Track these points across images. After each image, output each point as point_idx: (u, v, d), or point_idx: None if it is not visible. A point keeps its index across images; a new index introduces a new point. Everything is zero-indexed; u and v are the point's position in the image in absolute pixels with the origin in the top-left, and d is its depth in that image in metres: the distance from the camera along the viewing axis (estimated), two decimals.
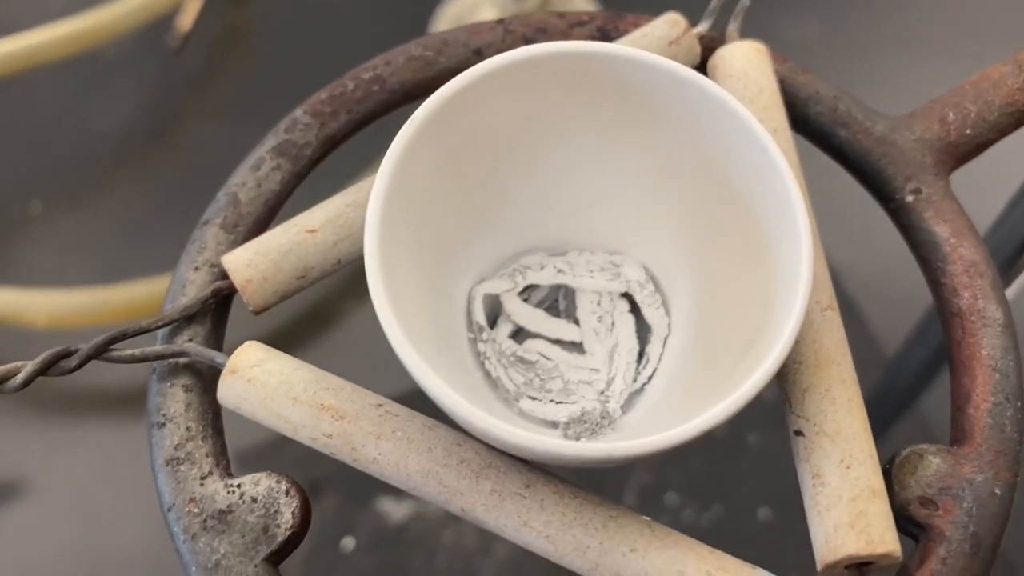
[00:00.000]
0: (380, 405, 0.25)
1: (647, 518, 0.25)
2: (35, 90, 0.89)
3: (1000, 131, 0.31)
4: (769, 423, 0.78)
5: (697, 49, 0.31)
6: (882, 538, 0.23)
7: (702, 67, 0.31)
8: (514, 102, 0.27)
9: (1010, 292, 0.52)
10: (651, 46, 0.30)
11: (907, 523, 0.25)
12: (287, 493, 0.25)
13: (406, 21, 0.94)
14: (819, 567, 0.24)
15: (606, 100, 0.28)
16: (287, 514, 0.25)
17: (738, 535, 0.73)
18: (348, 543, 0.69)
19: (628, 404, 0.29)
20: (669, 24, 0.31)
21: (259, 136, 0.32)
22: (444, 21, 0.97)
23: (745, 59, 0.30)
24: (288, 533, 0.25)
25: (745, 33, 0.32)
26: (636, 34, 0.31)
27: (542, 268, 0.30)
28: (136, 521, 0.72)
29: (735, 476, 0.73)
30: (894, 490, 0.26)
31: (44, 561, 0.71)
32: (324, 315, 0.76)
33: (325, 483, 0.73)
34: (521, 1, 0.87)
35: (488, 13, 0.93)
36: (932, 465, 0.26)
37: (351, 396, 0.26)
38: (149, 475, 0.27)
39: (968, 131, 0.30)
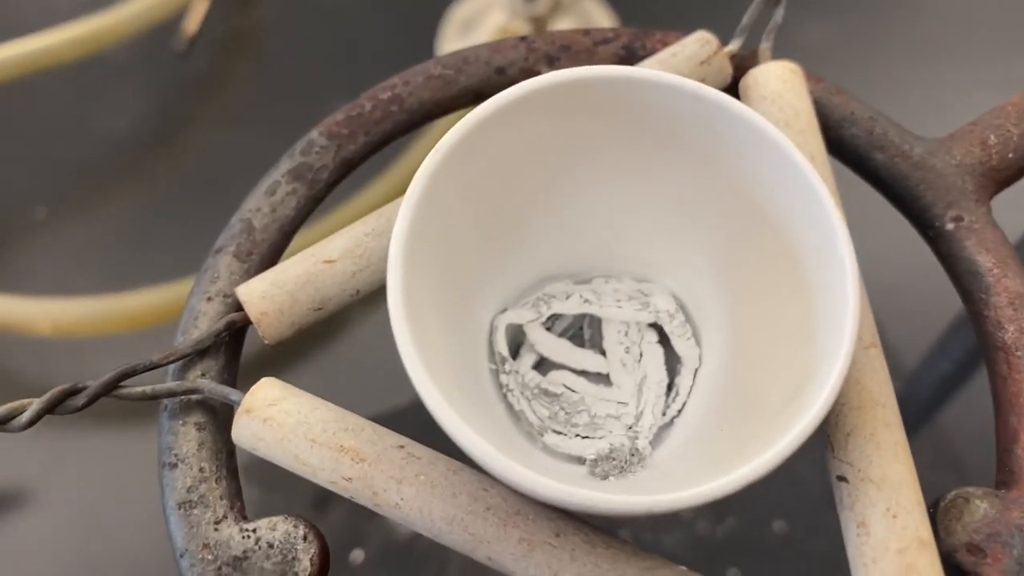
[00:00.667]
0: (402, 447, 0.24)
1: (683, 568, 0.24)
2: (40, 94, 0.88)
3: None
4: None
5: (728, 69, 0.30)
6: None
7: (733, 87, 0.30)
8: (539, 128, 0.26)
9: None
10: (681, 66, 0.29)
11: (954, 571, 0.24)
12: (305, 539, 0.24)
13: (415, 23, 0.93)
14: None
15: (634, 124, 0.26)
16: (305, 561, 0.24)
17: (753, 548, 0.71)
18: (357, 556, 0.68)
19: (657, 439, 0.28)
20: (699, 43, 0.29)
21: (267, 142, 0.31)
22: (453, 23, 0.95)
23: (779, 81, 0.29)
24: None
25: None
26: (665, 53, 0.30)
27: (567, 297, 0.29)
28: (141, 530, 0.71)
29: (749, 489, 0.71)
30: (940, 536, 0.24)
31: (49, 572, 0.70)
32: (335, 324, 0.75)
33: (334, 495, 0.71)
34: (532, 4, 0.86)
35: (498, 16, 0.91)
36: (980, 510, 0.25)
37: (372, 437, 0.24)
38: (154, 483, 0.25)
39: (1011, 155, 0.29)
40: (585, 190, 0.29)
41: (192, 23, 0.96)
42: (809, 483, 0.75)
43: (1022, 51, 0.84)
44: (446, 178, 0.25)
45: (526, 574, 0.23)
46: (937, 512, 0.25)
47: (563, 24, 0.90)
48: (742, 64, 0.30)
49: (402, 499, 0.24)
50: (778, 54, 0.31)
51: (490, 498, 0.24)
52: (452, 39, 0.77)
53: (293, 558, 0.24)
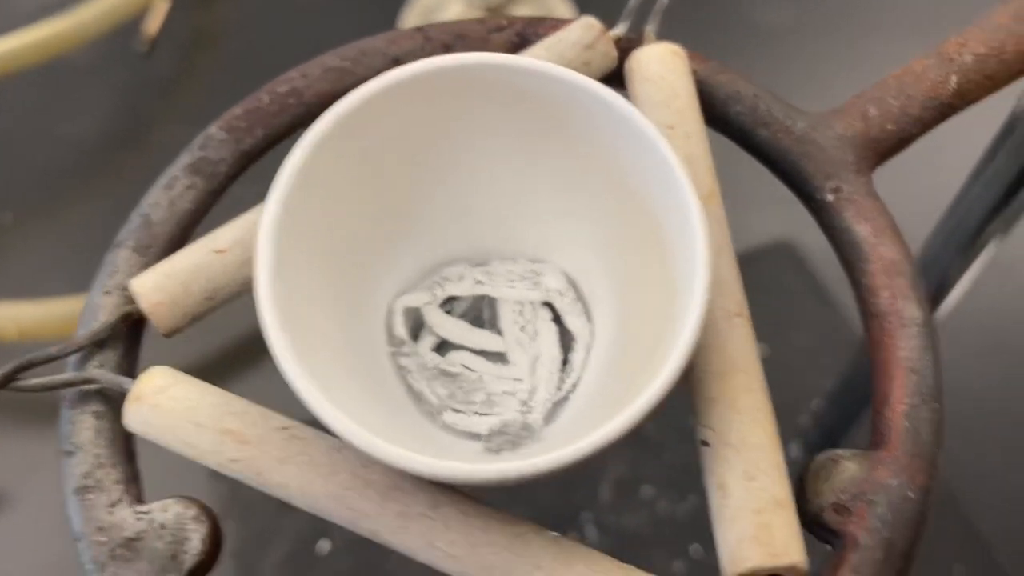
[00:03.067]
0: (286, 428, 0.25)
1: (555, 534, 0.24)
2: (2, 99, 0.89)
3: (924, 125, 0.31)
4: None
5: (613, 53, 0.30)
6: (786, 550, 0.22)
7: (620, 71, 0.31)
8: (422, 112, 0.27)
9: (967, 277, 0.51)
10: (565, 51, 0.30)
11: (821, 530, 0.25)
12: (196, 519, 0.25)
13: (376, 18, 0.93)
14: None
15: (512, 109, 0.27)
16: (195, 540, 0.25)
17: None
18: (324, 546, 0.69)
19: (553, 414, 0.29)
20: (583, 28, 0.30)
21: None
22: (412, 16, 0.96)
23: (660, 62, 0.29)
24: (196, 560, 0.25)
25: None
26: (551, 39, 0.30)
27: (461, 279, 0.30)
28: None
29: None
30: (808, 498, 0.25)
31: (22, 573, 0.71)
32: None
33: None
34: None
35: (456, 8, 0.92)
36: (847, 471, 0.25)
37: (256, 420, 0.25)
38: None
39: (890, 126, 0.30)
40: (477, 174, 0.29)
41: (154, 24, 0.97)
42: None
43: (918, 26, 0.84)
44: (324, 161, 0.25)
45: (404, 546, 0.24)
46: (807, 475, 0.26)
47: (521, 13, 0.90)
48: (629, 47, 0.31)
49: (285, 479, 0.25)
50: (673, 36, 0.31)
51: (369, 474, 0.24)
52: None
53: (184, 538, 0.25)
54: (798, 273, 0.80)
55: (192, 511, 0.25)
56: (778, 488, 0.23)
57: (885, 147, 0.30)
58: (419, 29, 0.32)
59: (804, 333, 0.78)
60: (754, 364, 0.25)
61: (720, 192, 0.28)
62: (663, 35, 0.31)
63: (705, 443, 0.24)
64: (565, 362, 0.30)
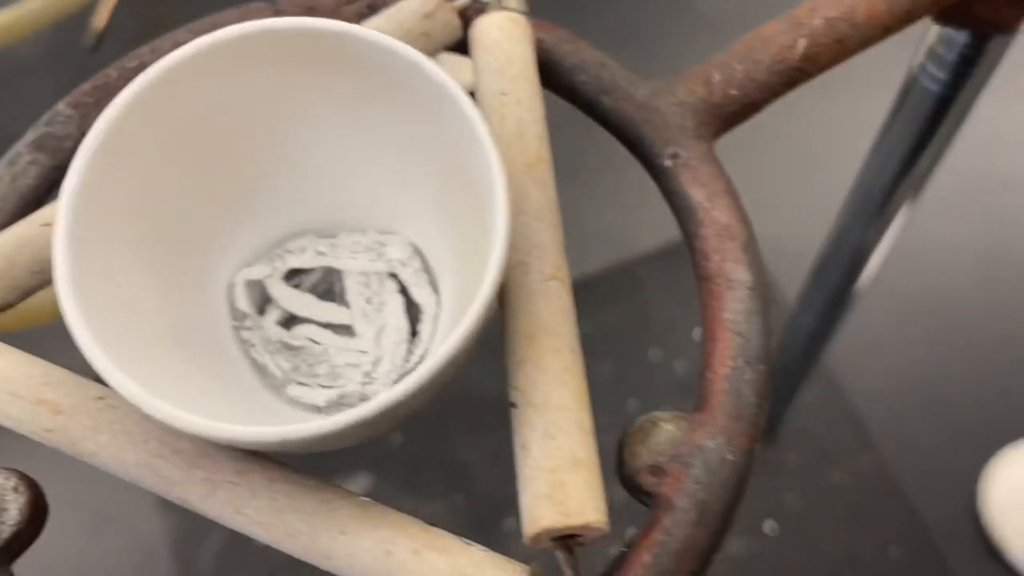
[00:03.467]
0: (101, 398, 0.25)
1: (365, 499, 0.24)
2: None
3: (771, 91, 0.30)
4: (682, 396, 0.77)
5: (456, 22, 0.30)
6: (580, 509, 0.22)
7: (465, 39, 0.31)
8: (245, 80, 0.27)
9: (883, 245, 0.51)
10: (405, 20, 0.30)
11: (638, 493, 0.25)
12: (15, 489, 0.25)
13: None
14: (525, 540, 0.23)
15: (339, 77, 0.27)
16: (13, 510, 0.25)
17: None
18: None
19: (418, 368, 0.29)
20: None
21: None
22: None
23: (499, 30, 0.29)
24: (14, 529, 0.25)
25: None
26: (392, 9, 0.30)
27: (303, 251, 0.30)
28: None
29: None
30: (625, 459, 0.25)
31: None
32: None
33: None
34: None
35: None
36: (665, 433, 0.25)
37: (71, 390, 0.25)
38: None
39: (733, 91, 0.30)
40: (315, 145, 0.29)
41: (101, 17, 0.97)
42: None
43: None
44: (134, 132, 0.25)
45: (212, 512, 0.24)
46: (625, 436, 0.26)
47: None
48: (476, 16, 0.31)
49: (98, 447, 0.25)
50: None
51: (179, 442, 0.24)
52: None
53: (2, 508, 0.25)
54: None
55: (11, 482, 0.25)
56: (578, 447, 0.23)
57: (728, 112, 0.30)
58: (271, 2, 0.32)
59: None
60: (565, 326, 0.25)
61: (550, 159, 0.28)
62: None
63: (513, 405, 0.24)
64: (415, 333, 0.30)
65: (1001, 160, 0.89)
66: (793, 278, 0.76)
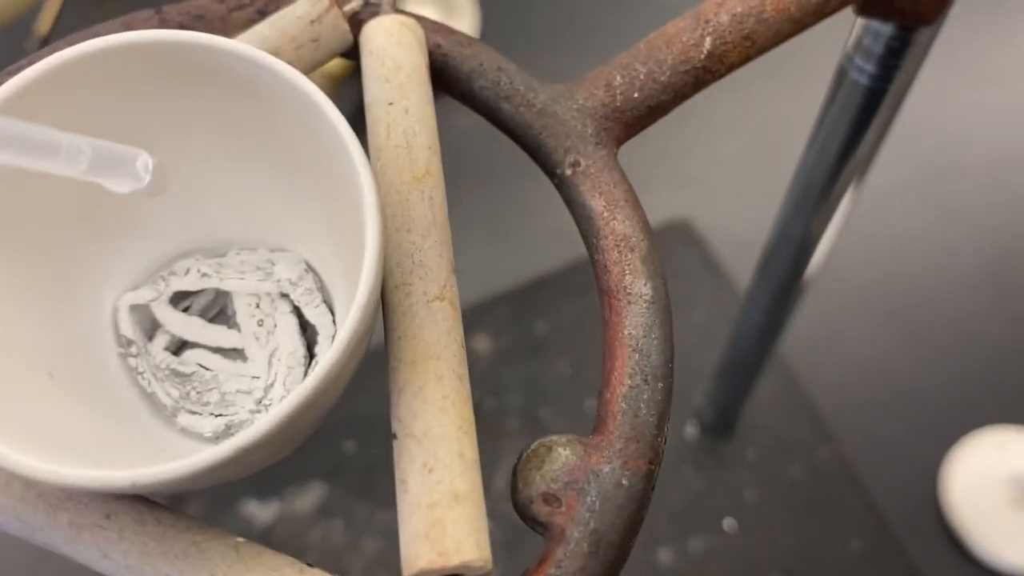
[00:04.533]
0: None
1: (240, 539, 0.23)
2: None
3: (676, 92, 0.29)
4: None
5: (344, 27, 0.29)
6: (458, 548, 0.21)
7: (357, 45, 0.29)
8: (113, 95, 0.25)
9: (829, 234, 0.50)
10: (290, 27, 0.28)
11: (532, 522, 0.24)
12: None
13: None
14: None
15: (214, 92, 0.26)
16: None
17: None
18: None
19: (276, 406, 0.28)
20: (311, 3, 0.29)
21: None
22: None
23: (387, 35, 0.28)
24: None
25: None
26: (277, 15, 0.29)
27: (188, 272, 0.29)
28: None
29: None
30: (519, 487, 0.24)
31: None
32: None
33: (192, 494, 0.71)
34: None
35: None
36: (560, 458, 0.24)
37: None
38: None
39: (636, 95, 0.29)
40: (196, 161, 0.28)
41: (45, 22, 0.95)
42: (679, 458, 0.74)
43: None
44: None
45: (78, 557, 0.23)
46: (519, 462, 0.24)
47: (424, 11, 0.89)
48: (369, 21, 0.30)
49: None
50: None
51: (43, 485, 0.23)
52: None
53: None
54: (694, 251, 0.79)
55: None
56: (458, 479, 0.22)
57: (631, 117, 0.29)
58: (157, 11, 0.31)
59: (700, 310, 0.77)
60: (449, 348, 0.23)
61: (440, 170, 0.26)
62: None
63: (394, 435, 0.23)
64: (313, 356, 0.29)
65: (950, 148, 0.88)
66: (744, 270, 0.75)
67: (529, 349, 0.76)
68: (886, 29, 0.38)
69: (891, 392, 0.76)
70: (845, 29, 0.40)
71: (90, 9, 0.95)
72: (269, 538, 0.71)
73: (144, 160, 0.22)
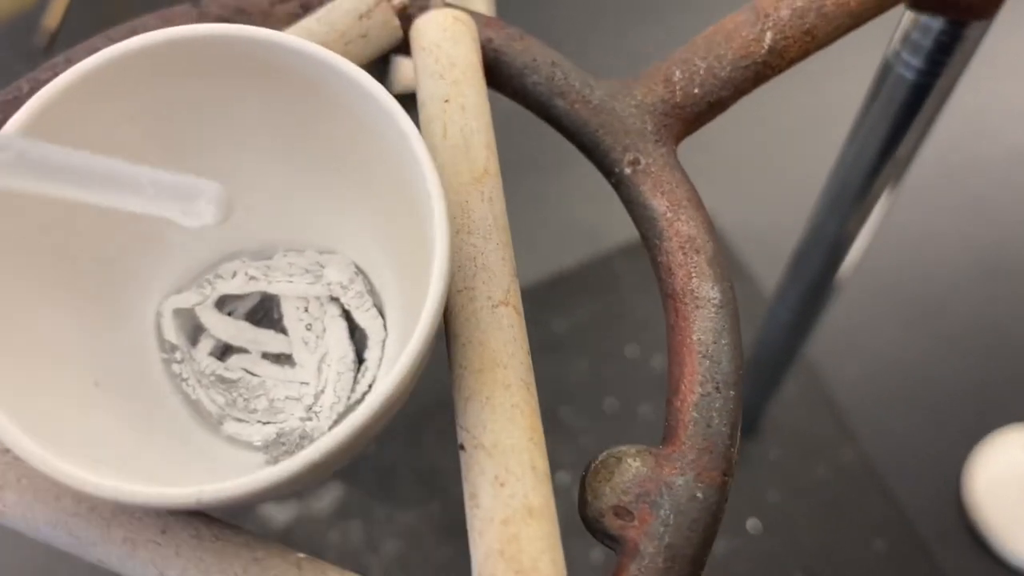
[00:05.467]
0: (6, 451, 0.23)
1: (301, 555, 0.22)
2: None
3: (736, 88, 0.28)
4: (661, 394, 0.76)
5: (395, 22, 0.28)
6: (535, 566, 0.20)
7: (407, 40, 0.29)
8: (160, 92, 0.24)
9: (864, 234, 0.49)
10: (339, 22, 0.27)
11: (603, 536, 0.23)
12: None
13: None
14: None
15: (266, 87, 0.25)
16: None
17: None
18: None
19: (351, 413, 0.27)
20: None
21: None
22: None
23: (439, 30, 0.27)
24: None
25: None
26: (324, 9, 0.28)
27: (234, 275, 0.28)
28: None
29: None
30: (588, 500, 0.23)
31: None
32: None
33: None
34: None
35: None
36: (631, 469, 0.23)
37: None
38: None
39: (696, 90, 0.28)
40: (244, 160, 0.27)
41: (53, 17, 0.94)
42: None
43: None
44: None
45: (133, 574, 0.22)
46: (587, 474, 0.24)
47: None
48: (419, 16, 0.29)
49: (4, 507, 0.22)
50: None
51: (94, 499, 0.22)
52: None
53: None
54: None
55: None
56: (532, 494, 0.21)
57: (692, 113, 0.28)
58: (195, 4, 0.30)
59: None
60: (516, 357, 0.23)
61: (498, 170, 0.25)
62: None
63: (461, 447, 0.22)
64: (363, 360, 0.28)
65: (978, 142, 0.87)
66: (772, 269, 0.74)
67: (548, 347, 0.75)
68: (936, 23, 0.37)
69: (914, 391, 0.75)
70: (884, 22, 0.39)
71: (100, 3, 0.93)
72: (288, 539, 0.70)
73: (212, 193, 0.20)
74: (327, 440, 0.19)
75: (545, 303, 0.77)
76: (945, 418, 0.74)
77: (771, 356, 0.62)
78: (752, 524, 0.69)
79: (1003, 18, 0.39)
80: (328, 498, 0.70)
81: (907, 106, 0.41)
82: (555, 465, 0.80)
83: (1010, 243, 0.82)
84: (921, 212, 0.82)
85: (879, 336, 0.76)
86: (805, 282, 0.55)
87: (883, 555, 0.70)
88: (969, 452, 0.73)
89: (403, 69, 0.78)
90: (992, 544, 0.71)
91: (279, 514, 0.69)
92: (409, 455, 0.72)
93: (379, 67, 0.29)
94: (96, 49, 0.29)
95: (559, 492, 0.71)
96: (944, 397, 0.75)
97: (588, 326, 0.77)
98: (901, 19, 0.38)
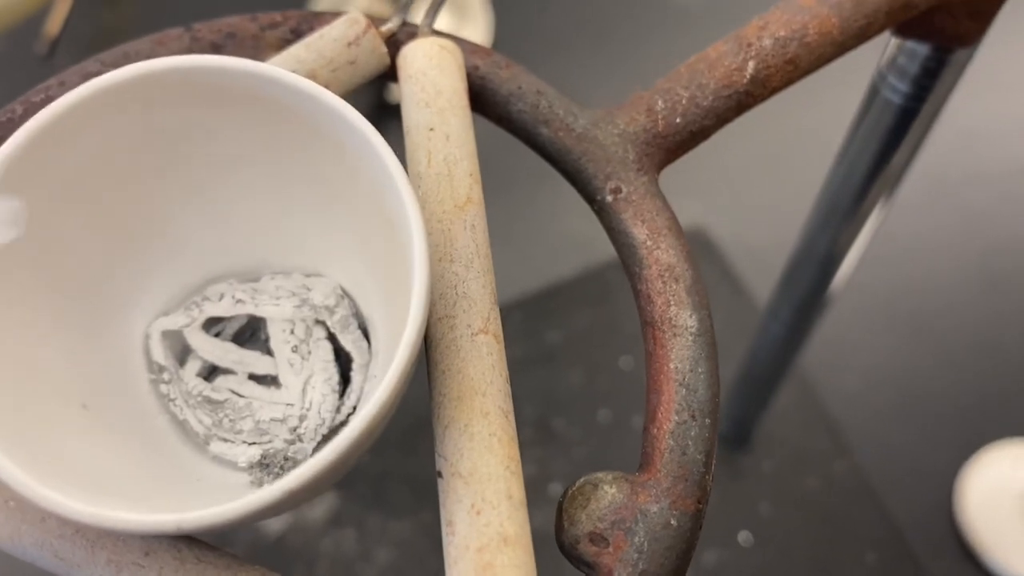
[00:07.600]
0: None
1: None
2: None
3: (718, 116, 0.29)
4: None
5: (382, 49, 0.28)
6: None
7: (395, 67, 0.29)
8: (149, 120, 0.25)
9: (856, 249, 0.50)
10: (328, 49, 0.28)
11: (578, 563, 0.23)
12: None
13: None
14: None
15: (252, 116, 0.25)
16: None
17: None
18: None
19: (334, 439, 0.27)
20: (348, 24, 0.28)
21: None
22: (323, 2, 0.93)
23: (425, 58, 0.27)
24: None
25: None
26: (313, 36, 0.28)
27: (222, 297, 0.28)
28: None
29: (619, 461, 0.71)
30: (564, 526, 0.24)
31: None
32: None
33: None
34: None
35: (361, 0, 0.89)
36: (607, 496, 0.24)
37: None
38: None
39: (678, 120, 0.28)
40: (232, 186, 0.27)
41: (54, 24, 0.94)
42: None
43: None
44: (29, 174, 0.23)
45: None
46: (564, 500, 0.24)
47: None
48: (406, 43, 0.29)
49: None
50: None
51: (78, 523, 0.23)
52: None
53: None
54: (711, 261, 0.79)
55: None
56: (507, 523, 0.21)
57: (674, 143, 0.28)
58: (187, 29, 0.30)
59: (716, 321, 0.76)
60: (495, 384, 0.23)
61: (481, 198, 0.26)
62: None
63: (439, 474, 0.22)
64: (348, 381, 0.28)
65: (969, 155, 0.88)
66: (765, 283, 0.75)
67: (542, 358, 0.76)
68: (922, 49, 0.37)
69: (906, 405, 0.75)
70: (876, 45, 0.40)
71: (100, 11, 0.94)
72: (281, 548, 0.70)
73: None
74: (304, 469, 0.20)
75: (539, 314, 0.78)
76: (938, 432, 0.75)
77: (764, 370, 0.63)
78: (744, 537, 0.70)
79: (997, 33, 0.40)
80: (321, 507, 0.70)
81: (894, 129, 0.41)
82: (547, 476, 0.81)
83: (1003, 257, 0.82)
84: (913, 226, 0.83)
85: (872, 350, 0.77)
86: (797, 296, 0.56)
87: (875, 568, 0.70)
88: (962, 466, 0.73)
89: None
90: (983, 558, 0.71)
91: (272, 523, 0.70)
92: (403, 464, 0.72)
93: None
94: (88, 72, 0.30)
95: (550, 503, 0.73)
96: (937, 411, 0.76)
97: (582, 337, 0.77)
98: (888, 44, 0.39)
